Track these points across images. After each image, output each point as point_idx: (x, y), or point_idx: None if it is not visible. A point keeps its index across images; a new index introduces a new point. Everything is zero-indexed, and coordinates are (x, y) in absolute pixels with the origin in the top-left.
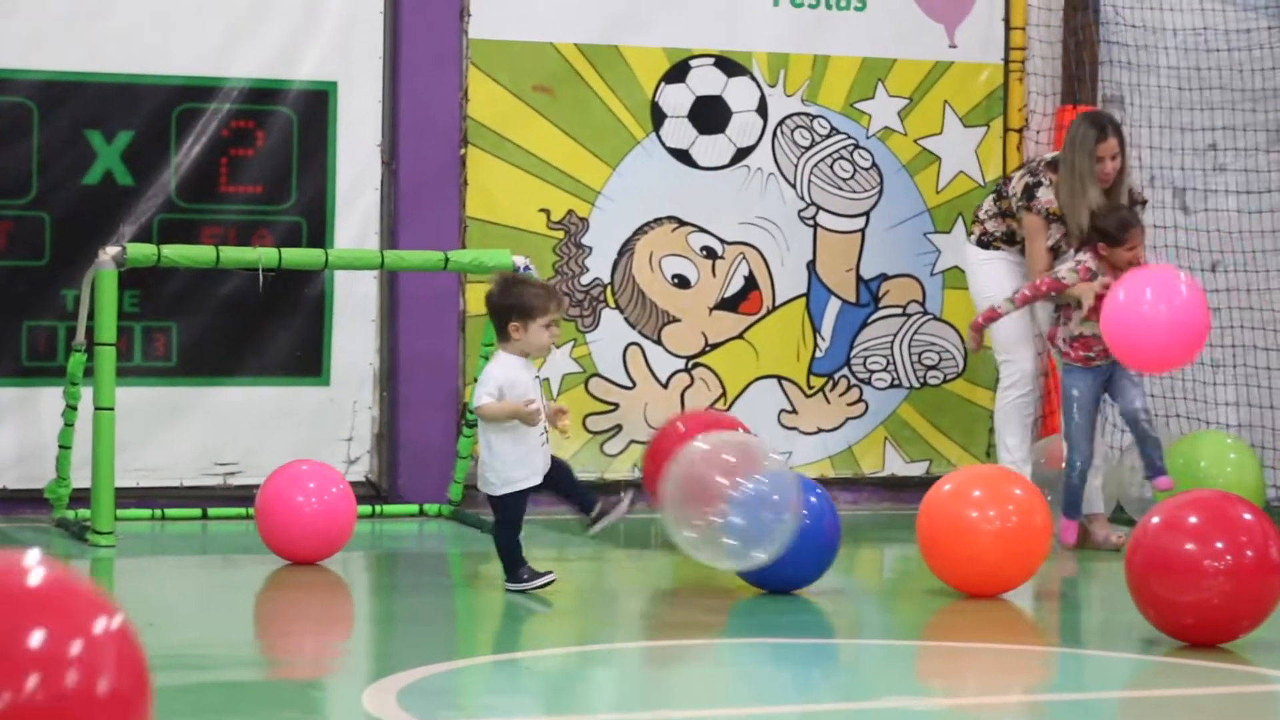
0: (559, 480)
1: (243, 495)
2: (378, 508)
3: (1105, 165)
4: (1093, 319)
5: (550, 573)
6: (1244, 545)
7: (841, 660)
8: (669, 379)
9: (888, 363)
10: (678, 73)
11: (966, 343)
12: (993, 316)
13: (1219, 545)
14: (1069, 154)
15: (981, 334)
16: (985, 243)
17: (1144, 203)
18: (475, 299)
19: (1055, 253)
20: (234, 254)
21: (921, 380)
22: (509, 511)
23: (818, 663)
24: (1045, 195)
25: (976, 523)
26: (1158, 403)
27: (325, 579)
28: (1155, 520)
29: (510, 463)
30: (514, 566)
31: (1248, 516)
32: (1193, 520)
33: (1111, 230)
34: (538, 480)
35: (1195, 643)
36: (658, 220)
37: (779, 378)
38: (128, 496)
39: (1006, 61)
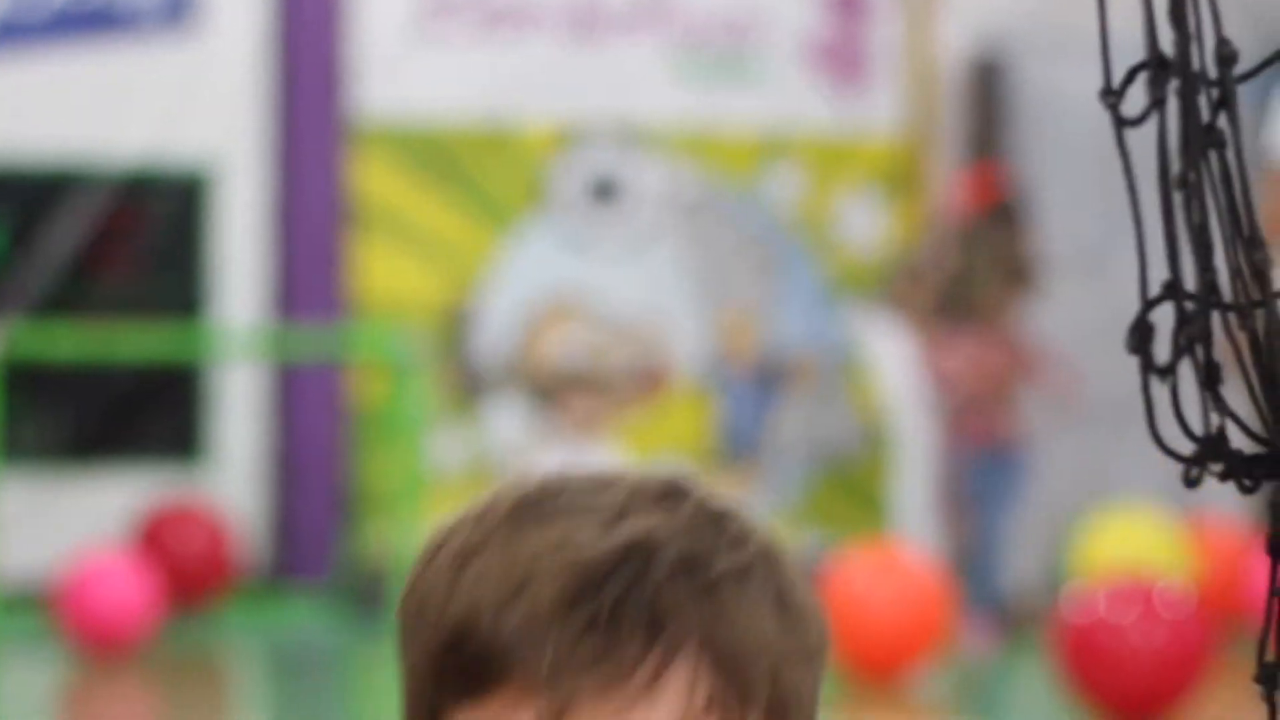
0: None
1: None
2: (265, 595)
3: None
4: (945, 390)
5: None
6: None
7: None
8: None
9: (791, 443)
10: (571, 149)
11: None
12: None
13: (1143, 625)
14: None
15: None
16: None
17: (1032, 280)
18: (365, 384)
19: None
20: (115, 341)
21: (825, 460)
22: None
23: None
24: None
25: None
26: (1073, 474)
27: (215, 670)
28: (1082, 601)
29: None
30: None
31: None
32: (1117, 602)
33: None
34: None
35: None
36: (553, 300)
37: (682, 458)
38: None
39: (911, 129)
